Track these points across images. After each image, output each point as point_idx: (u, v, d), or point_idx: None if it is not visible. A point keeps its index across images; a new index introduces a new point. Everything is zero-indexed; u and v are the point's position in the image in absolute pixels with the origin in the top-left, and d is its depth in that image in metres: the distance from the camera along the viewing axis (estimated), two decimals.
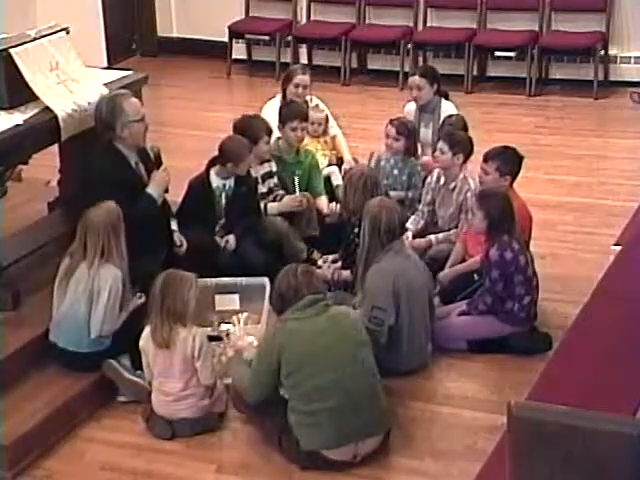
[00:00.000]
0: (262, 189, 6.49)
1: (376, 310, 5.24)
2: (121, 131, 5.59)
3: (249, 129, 6.35)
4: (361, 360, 4.76)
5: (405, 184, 6.67)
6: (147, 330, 5.01)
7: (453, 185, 6.27)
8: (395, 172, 6.68)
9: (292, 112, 6.68)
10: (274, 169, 6.59)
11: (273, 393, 4.79)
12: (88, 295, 5.16)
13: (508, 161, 5.99)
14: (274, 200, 6.52)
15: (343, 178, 6.79)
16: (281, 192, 6.57)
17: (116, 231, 5.20)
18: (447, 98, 7.20)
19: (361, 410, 4.69)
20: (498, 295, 5.54)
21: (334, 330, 4.74)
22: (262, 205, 6.43)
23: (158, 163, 5.96)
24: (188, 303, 4.98)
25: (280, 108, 6.82)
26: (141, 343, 5.02)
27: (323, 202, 6.76)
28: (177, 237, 5.93)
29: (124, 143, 5.63)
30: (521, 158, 6.03)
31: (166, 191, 5.85)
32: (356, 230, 5.78)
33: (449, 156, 6.19)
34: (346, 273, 5.96)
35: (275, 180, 6.58)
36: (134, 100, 5.71)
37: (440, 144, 6.26)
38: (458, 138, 6.26)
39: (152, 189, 5.68)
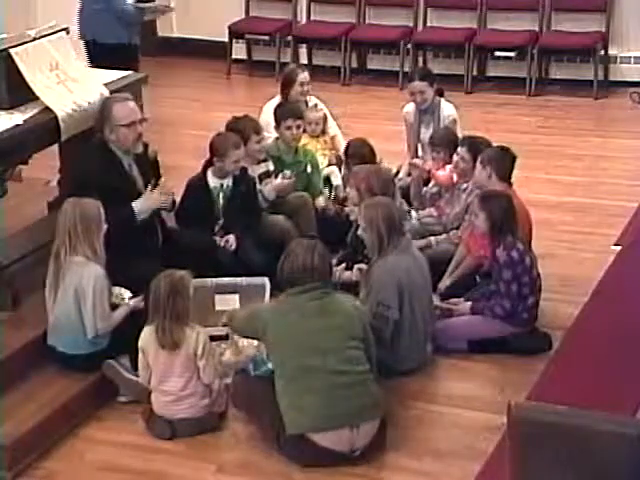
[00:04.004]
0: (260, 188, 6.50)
1: (381, 307, 5.25)
2: (109, 133, 5.61)
3: (237, 129, 6.38)
4: (345, 351, 4.78)
5: None
6: (147, 330, 5.01)
7: (465, 186, 6.28)
8: None
9: (285, 111, 6.73)
10: (271, 168, 6.60)
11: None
12: (74, 296, 5.15)
13: (494, 155, 5.95)
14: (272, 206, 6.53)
15: (349, 179, 6.79)
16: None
17: (85, 226, 5.16)
18: (442, 95, 7.21)
19: (347, 396, 4.71)
20: (514, 297, 5.52)
21: (322, 318, 4.79)
22: (260, 196, 6.41)
23: (157, 170, 5.94)
24: (191, 302, 5.02)
25: (274, 110, 6.84)
26: (141, 343, 5.02)
27: (321, 202, 6.76)
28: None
29: (116, 145, 5.63)
30: (512, 156, 5.99)
31: (172, 209, 5.82)
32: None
33: (471, 165, 6.15)
34: (348, 274, 5.95)
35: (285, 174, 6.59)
36: (127, 105, 5.66)
37: (463, 152, 6.22)
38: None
39: (137, 204, 5.61)
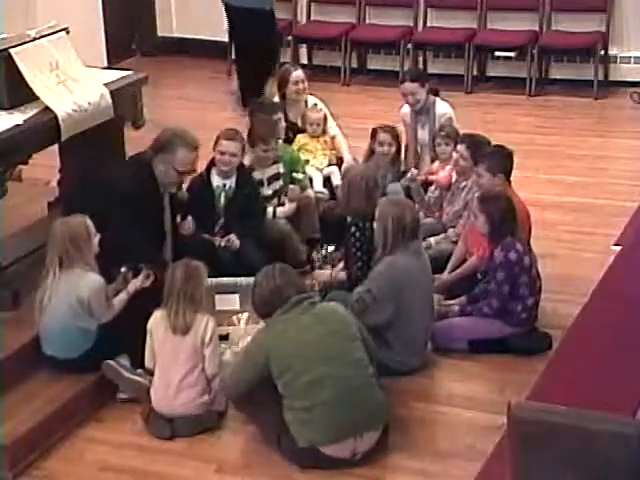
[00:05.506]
0: (267, 191, 6.52)
1: (368, 294, 5.27)
2: (158, 163, 5.63)
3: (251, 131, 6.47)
4: (349, 354, 4.77)
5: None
6: (158, 313, 5.04)
7: (464, 184, 6.29)
8: (389, 178, 6.79)
9: (272, 106, 6.89)
10: (282, 171, 6.61)
11: (252, 391, 4.82)
12: (69, 304, 5.14)
13: (496, 159, 5.98)
14: (279, 204, 6.55)
15: (342, 179, 6.81)
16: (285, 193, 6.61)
17: (76, 244, 5.16)
18: (437, 94, 7.22)
19: (356, 404, 4.69)
20: (505, 298, 5.52)
21: (320, 326, 4.76)
22: (271, 209, 6.45)
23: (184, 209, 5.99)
24: (204, 291, 5.08)
25: (254, 108, 6.92)
26: (149, 326, 5.04)
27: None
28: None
29: (156, 172, 5.65)
30: (510, 154, 6.02)
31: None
32: (353, 229, 5.79)
33: (470, 164, 6.15)
34: (342, 274, 5.95)
35: (281, 182, 6.59)
36: (192, 154, 5.66)
37: (463, 150, 6.22)
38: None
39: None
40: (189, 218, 5.97)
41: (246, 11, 8.90)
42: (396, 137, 6.82)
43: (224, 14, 9.36)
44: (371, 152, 6.90)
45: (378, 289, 5.29)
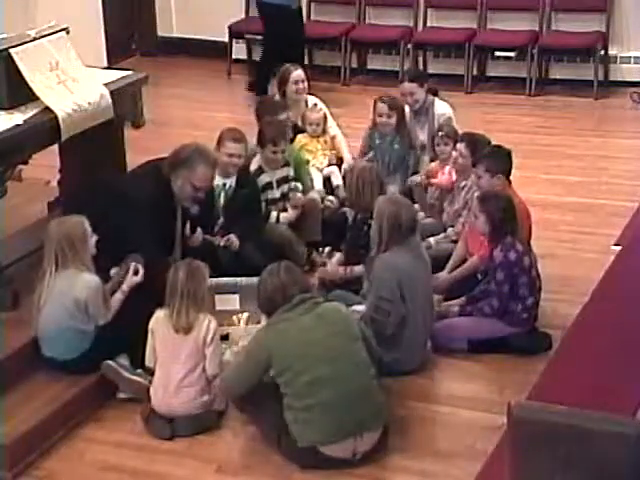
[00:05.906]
0: (276, 194, 6.51)
1: (383, 301, 5.25)
2: (175, 178, 5.59)
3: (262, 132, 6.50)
4: (353, 354, 4.77)
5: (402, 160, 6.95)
6: (161, 313, 5.04)
7: (464, 184, 6.29)
8: (396, 147, 6.93)
9: (277, 105, 6.91)
10: (291, 174, 6.60)
11: (252, 389, 4.81)
12: (64, 304, 5.13)
13: (495, 159, 5.98)
14: (284, 209, 6.55)
15: (344, 177, 6.81)
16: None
17: (72, 244, 5.15)
18: (436, 94, 7.22)
19: (356, 404, 4.69)
20: (505, 298, 5.52)
21: (322, 326, 4.75)
22: (275, 214, 6.45)
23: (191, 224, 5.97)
24: (206, 290, 5.09)
25: (260, 107, 6.96)
26: (151, 325, 5.04)
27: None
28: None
29: (173, 187, 5.63)
30: (509, 153, 6.01)
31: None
32: (363, 225, 5.79)
33: (469, 162, 6.15)
34: (358, 268, 5.95)
35: (290, 185, 6.58)
36: (210, 171, 5.65)
37: (462, 148, 6.23)
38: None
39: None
40: (199, 231, 5.96)
41: (278, 8, 9.08)
42: (396, 108, 6.90)
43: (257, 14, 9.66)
44: (374, 124, 7.04)
45: (388, 292, 5.27)
